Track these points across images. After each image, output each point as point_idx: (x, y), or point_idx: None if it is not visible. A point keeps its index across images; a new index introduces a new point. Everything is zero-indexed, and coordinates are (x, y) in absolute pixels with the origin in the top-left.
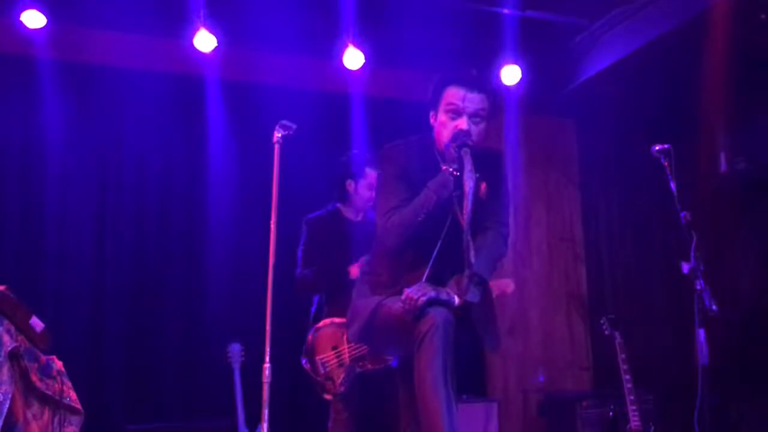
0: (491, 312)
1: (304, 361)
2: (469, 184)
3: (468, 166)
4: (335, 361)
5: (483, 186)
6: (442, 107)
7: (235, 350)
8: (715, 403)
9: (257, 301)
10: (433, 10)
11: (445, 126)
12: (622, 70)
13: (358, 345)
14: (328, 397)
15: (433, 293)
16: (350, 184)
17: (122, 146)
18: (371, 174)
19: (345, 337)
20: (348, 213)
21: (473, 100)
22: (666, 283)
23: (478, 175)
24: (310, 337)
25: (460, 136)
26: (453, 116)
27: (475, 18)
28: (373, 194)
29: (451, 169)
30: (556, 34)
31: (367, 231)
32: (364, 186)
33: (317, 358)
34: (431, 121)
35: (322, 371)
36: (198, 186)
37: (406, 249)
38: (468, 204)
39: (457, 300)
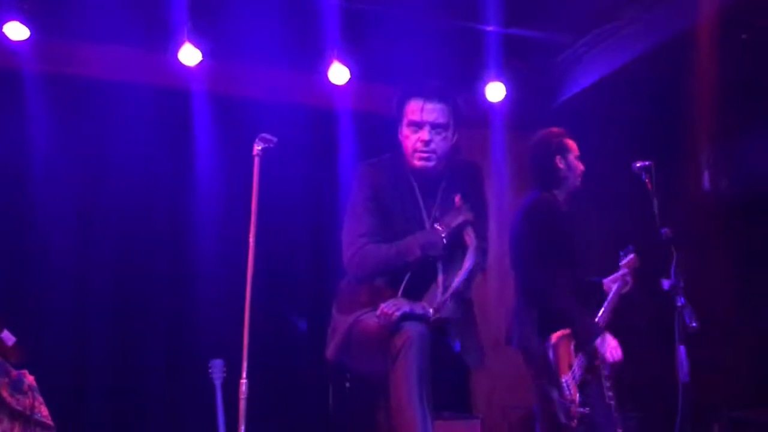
0: (473, 328)
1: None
2: (468, 262)
3: (473, 244)
4: (574, 379)
5: (457, 198)
6: (404, 121)
7: (217, 366)
8: (696, 421)
9: (241, 316)
10: (417, 27)
11: (409, 139)
12: (605, 87)
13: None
14: (574, 423)
15: (407, 308)
16: (560, 160)
17: (106, 159)
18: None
19: (572, 348)
20: (561, 197)
21: (432, 110)
22: (647, 300)
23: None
24: (550, 355)
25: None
26: (415, 129)
27: (459, 35)
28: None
29: (443, 235)
30: (540, 52)
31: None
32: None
33: (563, 379)
34: (399, 137)
35: (568, 394)
36: (183, 200)
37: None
38: (459, 280)
39: (432, 312)
